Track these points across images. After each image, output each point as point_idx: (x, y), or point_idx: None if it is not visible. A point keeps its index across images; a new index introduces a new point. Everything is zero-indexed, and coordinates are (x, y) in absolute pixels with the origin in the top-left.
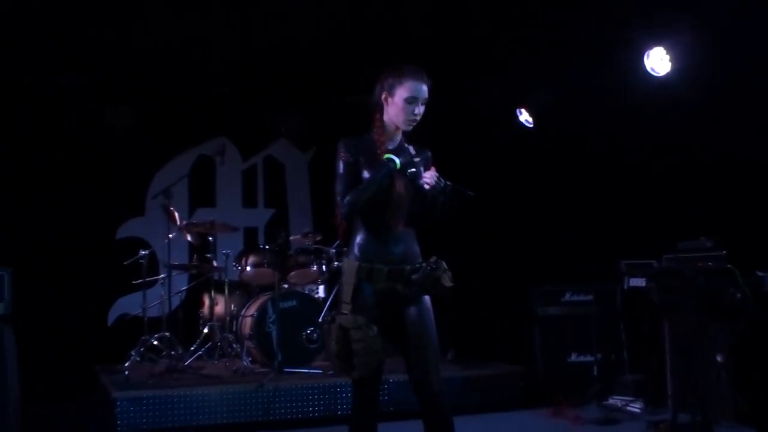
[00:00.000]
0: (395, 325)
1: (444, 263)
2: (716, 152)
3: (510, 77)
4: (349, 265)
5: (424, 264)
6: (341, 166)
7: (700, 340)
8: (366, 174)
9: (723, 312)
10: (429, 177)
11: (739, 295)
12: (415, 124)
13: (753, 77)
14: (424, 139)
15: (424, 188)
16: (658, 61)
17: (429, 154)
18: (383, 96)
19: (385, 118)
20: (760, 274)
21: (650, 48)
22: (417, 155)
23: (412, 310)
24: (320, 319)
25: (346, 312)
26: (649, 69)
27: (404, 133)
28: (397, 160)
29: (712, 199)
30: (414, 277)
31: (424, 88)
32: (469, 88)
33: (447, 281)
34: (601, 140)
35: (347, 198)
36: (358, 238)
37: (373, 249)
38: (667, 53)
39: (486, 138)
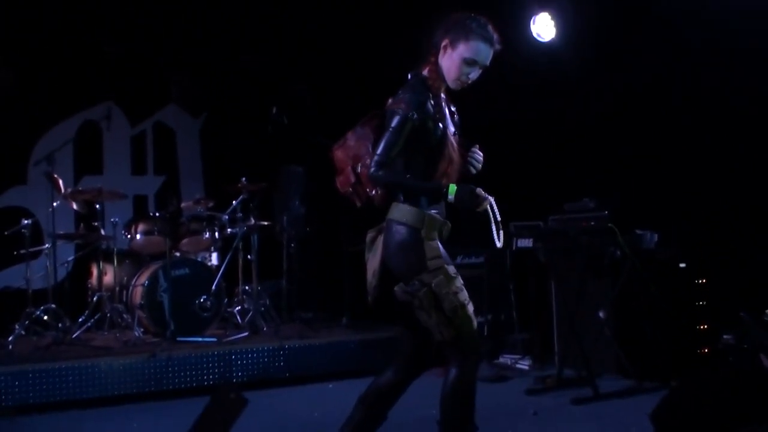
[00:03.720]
0: None
1: None
2: (597, 116)
3: None
4: (429, 217)
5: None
6: (398, 121)
7: (583, 298)
8: (439, 126)
9: (605, 269)
10: (479, 161)
11: (619, 253)
12: (463, 87)
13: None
14: None
15: (471, 171)
16: (543, 27)
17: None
18: (444, 42)
19: (440, 62)
20: (638, 232)
21: (536, 14)
22: (455, 115)
23: None
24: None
25: (436, 267)
26: (535, 34)
27: (446, 89)
28: (452, 198)
29: (595, 162)
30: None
31: (490, 53)
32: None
33: None
34: (489, 104)
35: (387, 174)
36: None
37: (437, 205)
38: (552, 19)
39: None
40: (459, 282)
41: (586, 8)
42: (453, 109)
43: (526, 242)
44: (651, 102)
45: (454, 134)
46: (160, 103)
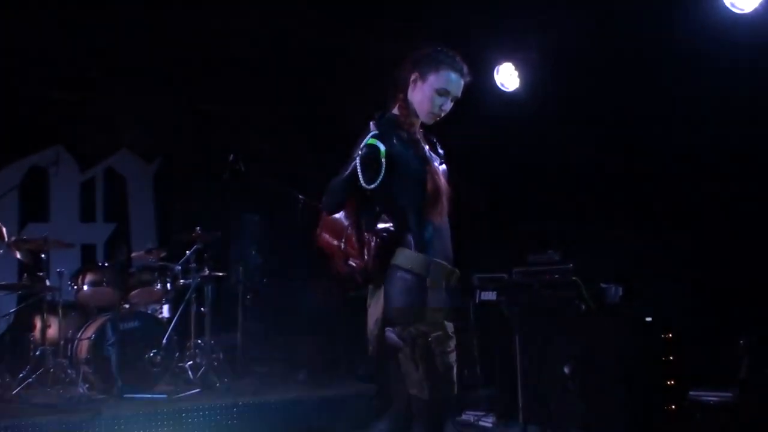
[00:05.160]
0: None
1: None
2: (560, 167)
3: None
4: (436, 264)
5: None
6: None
7: (547, 352)
8: (414, 163)
9: (569, 324)
10: None
11: (583, 307)
12: (436, 120)
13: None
14: None
15: None
16: (507, 77)
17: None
18: (413, 76)
19: (410, 98)
20: (603, 286)
21: (500, 63)
22: (437, 145)
23: None
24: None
25: (435, 322)
26: (498, 84)
27: (422, 125)
28: (382, 148)
29: (560, 214)
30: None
31: (461, 84)
32: None
33: None
34: (451, 153)
35: (328, 193)
36: (426, 233)
37: (442, 246)
38: (515, 69)
39: None
40: (453, 342)
41: (549, 59)
42: (434, 140)
43: (489, 295)
44: (614, 153)
45: (440, 164)
46: (112, 148)
